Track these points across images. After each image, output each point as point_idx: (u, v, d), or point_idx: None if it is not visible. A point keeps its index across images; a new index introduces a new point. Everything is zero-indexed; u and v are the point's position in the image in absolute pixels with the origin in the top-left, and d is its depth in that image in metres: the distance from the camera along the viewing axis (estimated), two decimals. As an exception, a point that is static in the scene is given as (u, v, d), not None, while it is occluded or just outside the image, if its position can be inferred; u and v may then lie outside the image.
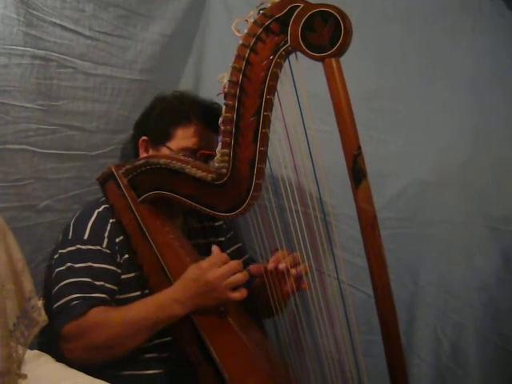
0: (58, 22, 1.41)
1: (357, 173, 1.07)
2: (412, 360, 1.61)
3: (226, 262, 1.27)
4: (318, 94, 1.11)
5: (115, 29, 1.57)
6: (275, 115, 1.18)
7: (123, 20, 1.59)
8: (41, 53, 1.38)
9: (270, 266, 1.34)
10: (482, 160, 1.52)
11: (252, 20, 1.11)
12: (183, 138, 1.45)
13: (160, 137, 1.47)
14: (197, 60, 1.85)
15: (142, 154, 1.50)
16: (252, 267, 1.39)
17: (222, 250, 1.37)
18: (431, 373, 1.61)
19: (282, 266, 1.33)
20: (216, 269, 1.26)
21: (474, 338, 1.55)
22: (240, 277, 1.27)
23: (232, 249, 1.63)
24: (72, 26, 1.45)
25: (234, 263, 1.28)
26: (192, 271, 1.28)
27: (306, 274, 1.34)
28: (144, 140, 1.50)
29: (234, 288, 1.27)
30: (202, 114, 1.45)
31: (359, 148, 1.07)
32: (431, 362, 1.60)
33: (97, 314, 1.28)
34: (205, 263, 1.27)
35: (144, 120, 1.55)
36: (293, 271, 1.34)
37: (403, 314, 1.59)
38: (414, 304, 1.61)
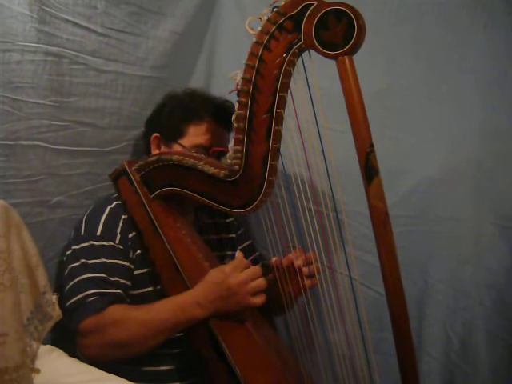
0: (70, 18, 1.42)
1: (369, 170, 1.07)
2: (422, 357, 1.61)
3: (248, 268, 1.28)
4: (331, 92, 1.11)
5: (127, 26, 1.58)
6: (288, 113, 1.18)
7: (135, 17, 1.60)
8: (53, 49, 1.39)
9: (285, 262, 1.35)
10: (492, 158, 1.51)
11: (265, 18, 1.11)
12: (195, 135, 1.46)
13: (172, 134, 1.48)
14: (208, 57, 1.85)
15: (154, 151, 1.51)
16: (273, 259, 1.39)
17: (233, 246, 1.38)
18: (441, 370, 1.61)
19: (298, 262, 1.35)
20: (239, 273, 1.26)
21: (483, 336, 1.54)
22: (262, 282, 1.27)
23: (243, 245, 1.64)
24: (84, 23, 1.46)
25: (256, 269, 1.28)
26: (215, 275, 1.28)
27: (318, 273, 1.35)
28: (156, 137, 1.51)
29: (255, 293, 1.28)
30: (214, 111, 1.46)
31: (372, 145, 1.07)
32: (441, 360, 1.60)
33: (116, 311, 1.29)
34: (228, 268, 1.28)
35: (156, 117, 1.56)
36: (305, 270, 1.35)
37: (413, 311, 1.59)
38: (423, 301, 1.61)
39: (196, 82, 1.81)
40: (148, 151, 1.53)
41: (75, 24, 1.44)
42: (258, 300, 1.27)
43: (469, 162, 1.54)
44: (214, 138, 1.44)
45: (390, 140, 1.58)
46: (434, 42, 1.57)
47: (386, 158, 1.49)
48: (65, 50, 1.42)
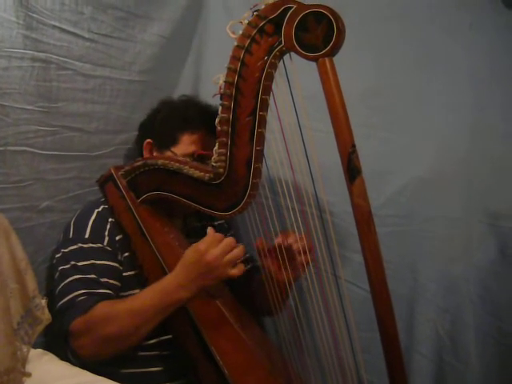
0: (57, 24, 1.42)
1: (351, 170, 1.08)
2: (412, 356, 1.62)
3: (221, 241, 1.29)
4: (314, 93, 1.11)
5: (114, 31, 1.58)
6: (272, 115, 1.19)
7: (122, 22, 1.60)
8: (40, 55, 1.39)
9: (278, 241, 1.36)
10: (480, 157, 1.52)
11: (246, 21, 1.12)
12: (188, 143, 1.46)
13: (165, 141, 1.49)
14: (196, 61, 1.85)
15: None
16: (259, 240, 1.39)
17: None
18: (432, 368, 1.61)
19: (289, 240, 1.36)
20: (213, 249, 1.27)
21: (473, 334, 1.55)
22: (237, 252, 1.29)
23: None
24: (71, 29, 1.46)
25: (229, 240, 1.29)
26: (191, 255, 1.30)
27: (310, 250, 1.36)
28: (149, 143, 1.51)
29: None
30: (208, 120, 1.45)
31: (353, 146, 1.08)
32: (432, 358, 1.61)
33: (103, 307, 1.29)
34: (202, 245, 1.29)
35: (149, 122, 1.56)
36: (296, 246, 1.37)
37: (403, 310, 1.61)
38: (413, 300, 1.62)
39: (184, 86, 1.82)
40: (141, 155, 1.53)
41: (62, 30, 1.44)
42: (236, 271, 1.29)
43: (458, 161, 1.55)
44: (206, 148, 1.44)
45: (378, 140, 1.59)
46: (422, 41, 1.58)
47: (375, 158, 1.52)
48: (52, 56, 1.42)
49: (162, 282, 1.31)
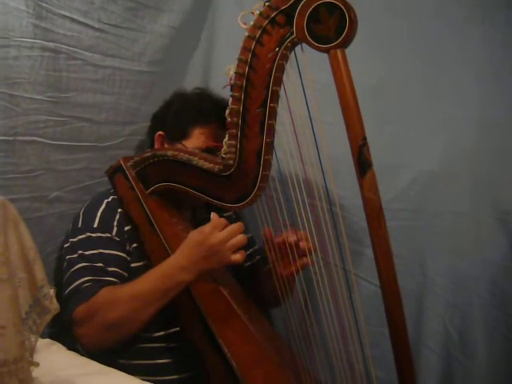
0: (67, 14, 1.42)
1: (362, 163, 1.07)
2: (421, 351, 1.61)
3: (226, 226, 1.29)
4: (326, 86, 1.11)
5: (124, 21, 1.58)
6: (283, 107, 1.18)
7: (132, 12, 1.60)
8: (50, 45, 1.39)
9: (279, 239, 1.36)
10: (490, 151, 1.51)
11: (258, 12, 1.11)
12: (200, 137, 1.46)
13: (177, 134, 1.48)
14: (205, 52, 1.85)
15: None
16: (266, 229, 1.39)
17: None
18: (440, 363, 1.61)
19: (291, 238, 1.35)
20: (218, 233, 1.28)
21: (482, 329, 1.54)
22: (241, 238, 1.29)
23: None
24: (81, 19, 1.46)
25: (235, 226, 1.30)
26: (195, 236, 1.30)
27: (315, 250, 1.35)
28: (160, 135, 1.51)
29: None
30: (221, 113, 1.45)
31: (365, 138, 1.07)
32: (440, 353, 1.61)
33: (106, 293, 1.29)
34: (207, 228, 1.29)
35: (162, 115, 1.56)
36: (301, 244, 1.36)
37: (412, 304, 1.60)
38: (422, 295, 1.61)
39: (194, 77, 1.82)
40: (152, 147, 1.53)
41: (72, 19, 1.44)
42: (239, 256, 1.29)
43: (467, 155, 1.54)
44: (217, 140, 1.44)
45: (389, 134, 1.57)
46: (432, 36, 1.56)
47: (385, 152, 1.51)
48: (62, 46, 1.42)
49: (162, 265, 1.31)
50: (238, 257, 1.29)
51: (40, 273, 1.04)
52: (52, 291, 1.07)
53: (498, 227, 1.52)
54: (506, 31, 1.49)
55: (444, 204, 1.57)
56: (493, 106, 1.51)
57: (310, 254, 1.36)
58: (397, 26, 1.57)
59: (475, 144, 1.53)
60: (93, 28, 1.49)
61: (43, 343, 1.16)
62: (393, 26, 1.58)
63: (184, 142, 1.46)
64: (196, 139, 1.46)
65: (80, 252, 1.35)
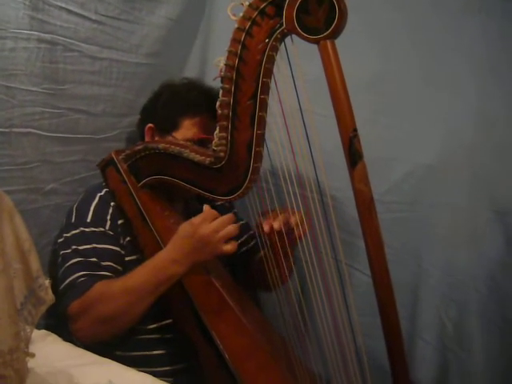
0: (63, 5, 1.42)
1: (353, 154, 1.07)
2: (416, 343, 1.62)
3: (216, 217, 1.29)
4: (317, 78, 1.10)
5: (121, 13, 1.57)
6: (274, 98, 1.18)
7: (129, 4, 1.59)
8: (47, 36, 1.39)
9: (266, 228, 1.34)
10: (486, 144, 1.51)
11: (247, 3, 1.10)
12: (190, 128, 1.46)
13: (166, 126, 1.48)
14: (203, 44, 1.85)
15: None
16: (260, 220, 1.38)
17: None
18: (435, 355, 1.61)
19: (276, 225, 1.33)
20: (208, 224, 1.28)
21: (477, 322, 1.55)
22: (232, 229, 1.29)
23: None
24: (78, 10, 1.46)
25: (225, 217, 1.30)
26: (185, 229, 1.30)
27: (302, 222, 1.34)
28: (150, 127, 1.51)
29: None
30: (210, 104, 1.44)
31: (355, 130, 1.06)
32: (435, 345, 1.61)
33: (99, 287, 1.30)
34: (197, 220, 1.29)
35: (151, 107, 1.55)
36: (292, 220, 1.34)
37: (407, 297, 1.60)
38: (418, 287, 1.61)
39: (191, 69, 1.82)
40: (142, 139, 1.53)
41: (69, 11, 1.44)
42: (230, 247, 1.29)
43: (464, 148, 1.54)
44: (207, 131, 1.43)
45: (383, 126, 1.58)
46: (430, 28, 1.56)
47: (380, 145, 1.51)
48: (58, 37, 1.42)
49: (154, 259, 1.32)
50: (229, 247, 1.29)
51: (35, 264, 1.04)
52: (47, 282, 1.08)
53: (494, 220, 1.52)
54: (503, 22, 1.48)
55: (440, 197, 1.57)
56: (490, 98, 1.50)
57: (302, 224, 1.35)
58: (393, 17, 1.57)
59: (472, 137, 1.53)
60: (90, 20, 1.49)
61: (39, 334, 1.18)
62: (389, 17, 1.57)
63: (174, 134, 1.46)
64: (186, 130, 1.46)
65: (74, 247, 1.36)
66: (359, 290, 1.45)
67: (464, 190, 1.54)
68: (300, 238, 1.35)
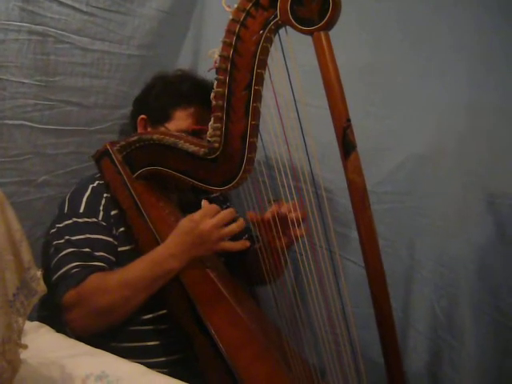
0: (54, -3, 1.41)
1: (346, 145, 1.07)
2: (408, 332, 1.63)
3: (217, 213, 1.29)
4: (311, 69, 1.10)
5: (112, 4, 1.56)
6: (268, 90, 1.18)
7: (120, -5, 1.58)
8: (38, 28, 1.38)
9: (267, 215, 1.36)
10: (478, 134, 1.51)
11: (242, -5, 1.11)
12: (182, 119, 1.46)
13: (159, 117, 1.48)
14: (196, 35, 1.84)
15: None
16: (250, 213, 1.39)
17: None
18: (427, 345, 1.62)
19: (283, 209, 1.34)
20: (208, 220, 1.28)
21: (470, 311, 1.55)
22: (234, 227, 1.30)
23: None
24: (69, 2, 1.45)
25: (226, 212, 1.30)
26: (185, 224, 1.30)
27: (304, 218, 1.35)
28: (143, 118, 1.51)
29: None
30: (202, 95, 1.44)
31: (348, 120, 1.07)
32: (427, 335, 1.62)
33: (95, 279, 1.30)
34: (197, 215, 1.29)
35: (143, 98, 1.55)
36: (291, 215, 1.35)
37: (400, 287, 1.61)
38: (410, 277, 1.62)
39: (184, 61, 1.81)
40: (135, 131, 1.53)
41: (60, 2, 1.42)
42: (228, 245, 1.30)
43: (456, 138, 1.54)
44: (200, 122, 1.44)
45: (376, 117, 1.58)
46: (420, 18, 1.56)
47: (373, 135, 1.52)
48: (49, 29, 1.41)
49: (152, 253, 1.31)
50: (228, 245, 1.31)
51: (27, 254, 1.04)
52: (39, 273, 1.08)
53: (486, 209, 1.52)
54: (495, 14, 1.48)
55: (432, 187, 1.57)
56: (482, 89, 1.50)
57: (304, 222, 1.36)
58: (386, 8, 1.57)
59: (464, 126, 1.52)
60: (81, 11, 1.48)
61: (32, 326, 1.17)
62: (381, 8, 1.57)
63: (166, 125, 1.46)
64: (179, 121, 1.46)
65: (67, 237, 1.36)
66: (353, 281, 1.45)
67: (456, 179, 1.54)
68: (297, 238, 1.37)
